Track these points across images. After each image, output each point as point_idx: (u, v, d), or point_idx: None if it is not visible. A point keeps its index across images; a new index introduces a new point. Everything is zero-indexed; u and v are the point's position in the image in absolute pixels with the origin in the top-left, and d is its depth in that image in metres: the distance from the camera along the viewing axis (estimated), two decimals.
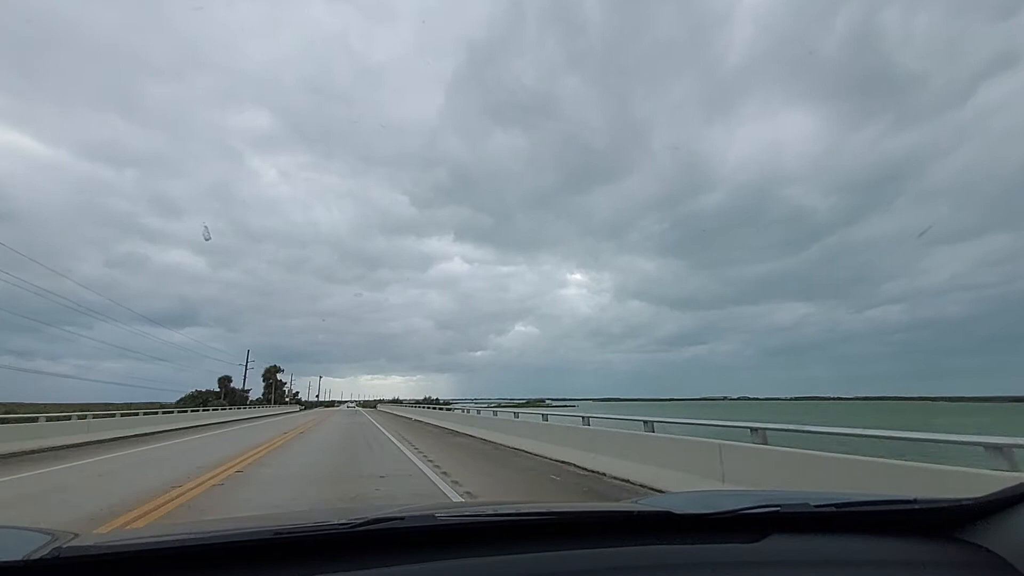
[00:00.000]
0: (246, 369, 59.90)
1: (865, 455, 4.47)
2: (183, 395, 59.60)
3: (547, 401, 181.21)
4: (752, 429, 5.59)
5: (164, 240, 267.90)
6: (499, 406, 28.92)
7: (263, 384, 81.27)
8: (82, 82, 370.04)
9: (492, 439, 14.13)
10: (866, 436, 5.06)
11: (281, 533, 0.97)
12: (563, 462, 9.25)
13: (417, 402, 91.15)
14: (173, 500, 6.17)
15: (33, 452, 12.33)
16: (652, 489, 6.47)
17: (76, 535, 1.03)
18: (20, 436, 13.11)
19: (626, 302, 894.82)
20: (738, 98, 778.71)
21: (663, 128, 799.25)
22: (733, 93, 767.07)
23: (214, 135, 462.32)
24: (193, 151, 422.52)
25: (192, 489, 6.90)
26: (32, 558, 0.84)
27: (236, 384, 63.91)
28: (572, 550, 1.02)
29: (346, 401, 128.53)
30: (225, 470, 8.79)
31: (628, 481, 7.14)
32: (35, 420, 15.36)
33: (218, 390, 64.01)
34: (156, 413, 23.24)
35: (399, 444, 13.90)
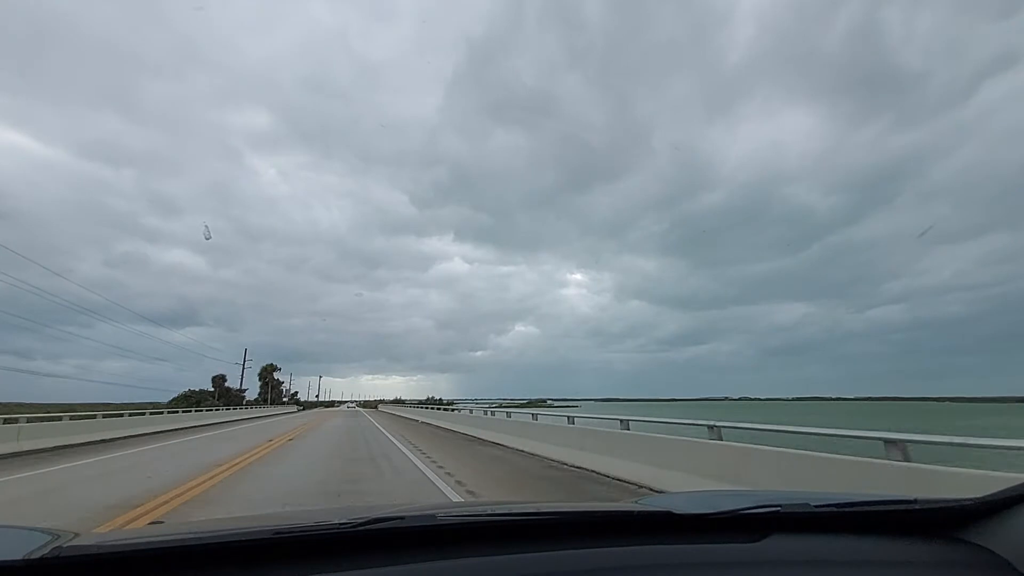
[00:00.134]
0: (243, 368, 58.79)
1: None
2: (176, 395, 56.73)
3: (548, 401, 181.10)
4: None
5: (164, 240, 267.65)
6: (500, 406, 28.73)
7: (259, 384, 79.25)
8: (79, 80, 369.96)
9: (532, 450, 11.28)
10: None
11: (281, 533, 0.97)
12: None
13: (420, 402, 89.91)
14: None
15: None
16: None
17: (76, 535, 1.03)
18: None
19: (626, 302, 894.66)
20: (739, 97, 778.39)
21: (664, 127, 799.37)
22: (734, 92, 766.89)
23: (213, 134, 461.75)
24: (192, 150, 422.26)
25: None
26: (32, 558, 0.84)
27: (232, 383, 62.31)
28: (572, 550, 1.02)
29: (346, 401, 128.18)
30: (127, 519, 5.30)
31: None
32: None
33: (212, 389, 61.56)
34: (122, 415, 19.38)
35: (418, 461, 10.09)
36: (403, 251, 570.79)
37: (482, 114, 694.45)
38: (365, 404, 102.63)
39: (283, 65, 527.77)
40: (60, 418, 15.84)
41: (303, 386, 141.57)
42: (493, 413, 17.81)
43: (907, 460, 4.15)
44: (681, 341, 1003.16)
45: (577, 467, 8.91)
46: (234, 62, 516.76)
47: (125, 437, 17.19)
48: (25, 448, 12.75)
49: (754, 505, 1.17)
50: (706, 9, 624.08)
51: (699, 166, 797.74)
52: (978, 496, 1.10)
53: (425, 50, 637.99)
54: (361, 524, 0.99)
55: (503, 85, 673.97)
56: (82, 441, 14.99)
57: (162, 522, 5.18)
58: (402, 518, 1.05)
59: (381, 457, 11.04)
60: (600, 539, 1.08)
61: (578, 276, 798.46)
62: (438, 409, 31.83)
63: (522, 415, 14.78)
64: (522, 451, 11.79)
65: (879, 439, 4.40)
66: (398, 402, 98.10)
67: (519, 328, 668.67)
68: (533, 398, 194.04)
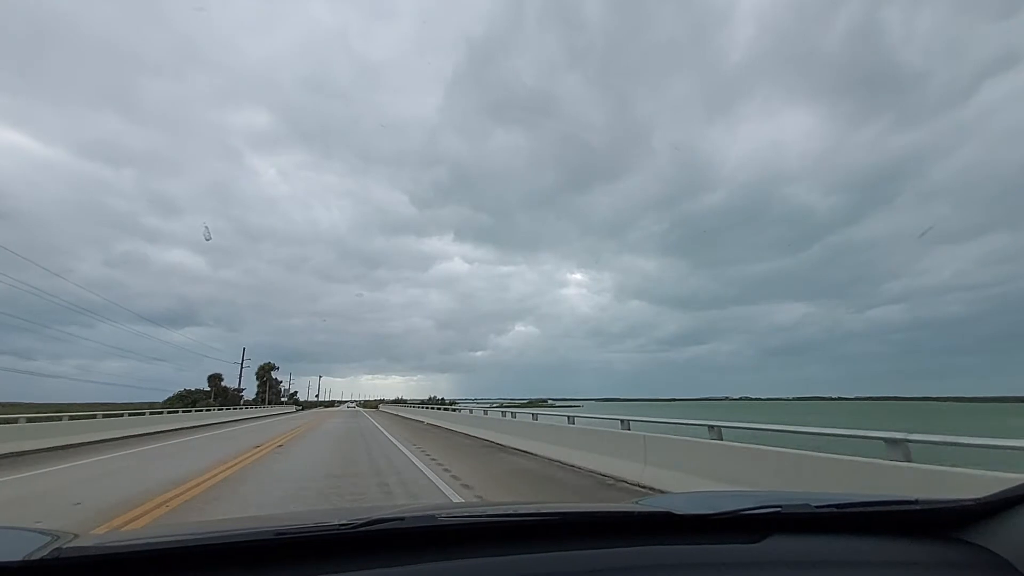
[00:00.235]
0: (241, 367, 57.71)
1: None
2: (172, 395, 55.65)
3: (548, 401, 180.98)
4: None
5: (164, 240, 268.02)
6: (501, 406, 28.63)
7: (257, 383, 77.90)
8: (79, 80, 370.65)
9: (569, 460, 9.34)
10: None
11: (282, 533, 0.97)
12: None
13: (422, 402, 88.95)
14: None
15: None
16: None
17: (76, 535, 1.03)
18: None
19: (626, 302, 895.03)
20: (739, 97, 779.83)
21: (664, 127, 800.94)
22: (734, 92, 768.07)
23: (213, 134, 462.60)
24: (192, 150, 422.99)
25: None
26: (32, 558, 0.84)
27: (230, 383, 61.28)
28: (572, 550, 1.02)
29: (346, 401, 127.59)
30: None
31: None
32: None
33: (209, 389, 60.29)
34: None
35: (446, 488, 7.19)
36: (403, 251, 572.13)
37: (482, 114, 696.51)
38: (365, 404, 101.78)
39: (283, 65, 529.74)
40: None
41: (303, 386, 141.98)
42: (515, 415, 15.23)
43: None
44: (681, 341, 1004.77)
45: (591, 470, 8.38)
46: (234, 62, 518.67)
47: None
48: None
49: (754, 505, 1.17)
50: (706, 9, 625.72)
51: (699, 166, 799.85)
52: (978, 496, 1.10)
53: (425, 50, 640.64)
54: (362, 525, 0.99)
55: (503, 85, 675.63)
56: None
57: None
58: (403, 519, 1.05)
59: (389, 470, 8.79)
60: (600, 539, 1.08)
61: (578, 276, 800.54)
62: (440, 409, 30.64)
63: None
64: (589, 470, 8.59)
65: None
66: (399, 402, 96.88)
67: (519, 328, 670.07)
68: (533, 398, 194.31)
